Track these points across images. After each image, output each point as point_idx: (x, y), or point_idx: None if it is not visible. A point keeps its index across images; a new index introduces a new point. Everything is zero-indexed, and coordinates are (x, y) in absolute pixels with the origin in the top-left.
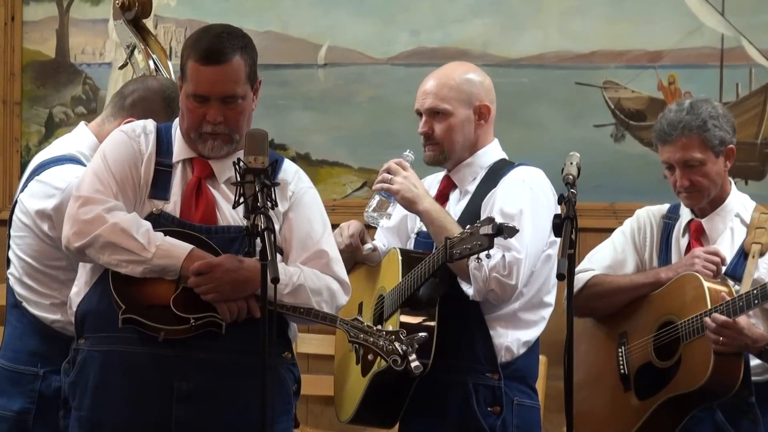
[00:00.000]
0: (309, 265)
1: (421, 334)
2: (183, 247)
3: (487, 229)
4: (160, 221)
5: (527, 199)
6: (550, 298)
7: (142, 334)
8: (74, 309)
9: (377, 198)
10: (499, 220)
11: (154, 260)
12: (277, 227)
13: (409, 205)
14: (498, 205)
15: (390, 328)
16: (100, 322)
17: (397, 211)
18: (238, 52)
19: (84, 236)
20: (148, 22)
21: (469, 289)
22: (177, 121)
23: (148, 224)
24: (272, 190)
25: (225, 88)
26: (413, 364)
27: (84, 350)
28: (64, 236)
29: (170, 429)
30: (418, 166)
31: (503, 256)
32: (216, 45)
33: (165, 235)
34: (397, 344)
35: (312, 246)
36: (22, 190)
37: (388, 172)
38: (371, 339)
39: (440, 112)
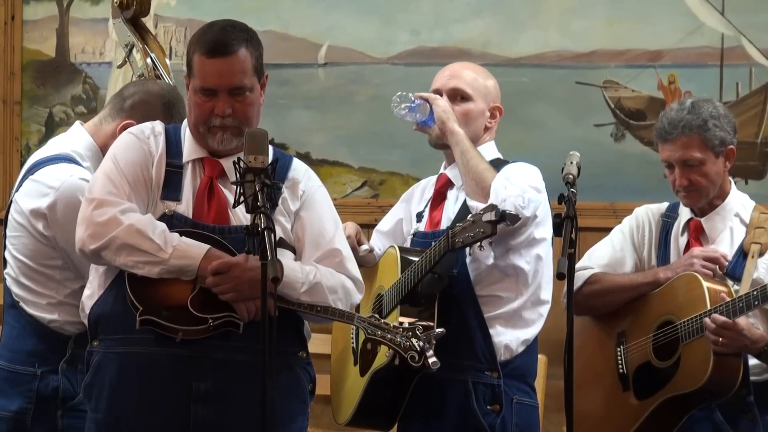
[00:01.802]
0: (322, 264)
1: (438, 330)
2: (200, 247)
3: (489, 216)
4: (173, 222)
5: (537, 175)
6: (547, 295)
7: (159, 335)
8: (87, 312)
9: (410, 101)
10: (512, 172)
11: (171, 261)
12: (288, 226)
13: (445, 121)
14: (510, 172)
15: (406, 324)
16: (116, 325)
17: (393, 215)
18: (243, 44)
19: (99, 238)
20: (148, 22)
21: (478, 203)
22: (186, 122)
23: (163, 225)
24: (272, 189)
25: (232, 79)
26: (430, 360)
27: (99, 352)
28: (78, 239)
29: (188, 429)
30: (418, 164)
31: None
32: (221, 37)
33: (180, 236)
34: (414, 340)
35: (324, 244)
36: (17, 190)
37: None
38: (388, 336)
39: (463, 95)
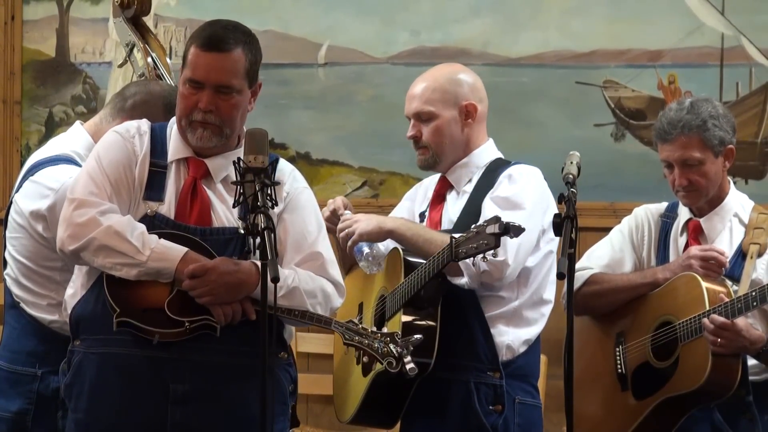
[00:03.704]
0: (304, 267)
1: (416, 336)
2: (177, 250)
3: (493, 228)
4: (154, 223)
5: (528, 189)
6: (550, 294)
7: (138, 337)
8: (69, 311)
9: (360, 254)
10: (497, 207)
11: (148, 263)
12: None
13: (378, 234)
14: (499, 192)
15: (385, 330)
16: (96, 325)
17: (396, 213)
18: (240, 45)
19: (78, 239)
20: (148, 21)
21: (461, 279)
22: (172, 120)
23: (142, 227)
24: (272, 189)
25: (220, 76)
26: (408, 366)
27: (80, 352)
28: (58, 239)
29: (166, 431)
30: (413, 170)
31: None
32: (220, 33)
33: (159, 238)
34: (392, 346)
35: (307, 248)
36: (17, 191)
37: (341, 230)
38: (366, 341)
39: (426, 115)
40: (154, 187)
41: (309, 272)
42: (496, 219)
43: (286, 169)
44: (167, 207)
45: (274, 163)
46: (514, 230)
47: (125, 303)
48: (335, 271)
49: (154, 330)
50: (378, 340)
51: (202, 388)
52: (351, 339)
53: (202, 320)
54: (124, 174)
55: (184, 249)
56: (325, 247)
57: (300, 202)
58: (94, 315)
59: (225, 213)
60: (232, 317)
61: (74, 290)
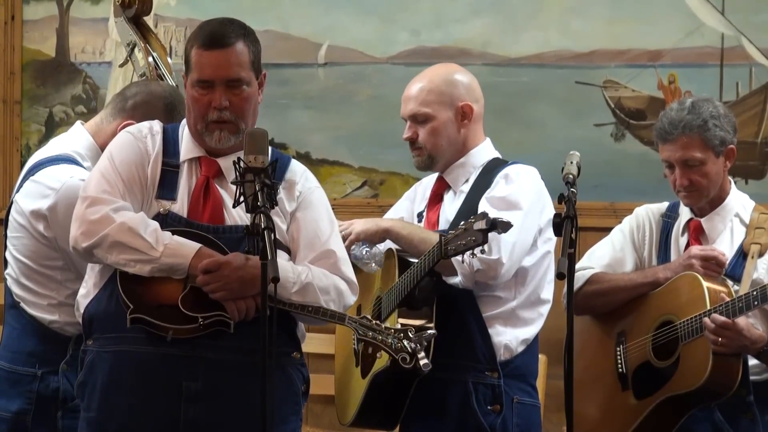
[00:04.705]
0: (317, 265)
1: (429, 331)
2: (191, 246)
3: (480, 225)
4: (167, 221)
5: (524, 189)
6: (548, 294)
7: (151, 334)
8: (81, 311)
9: (358, 254)
10: (493, 208)
11: (162, 259)
12: (284, 227)
13: (375, 233)
14: (495, 192)
15: (399, 326)
16: (109, 323)
17: (395, 212)
18: (241, 38)
19: (92, 236)
20: (148, 21)
21: (455, 279)
22: (184, 121)
23: (155, 223)
24: (272, 189)
25: (229, 71)
26: (422, 362)
27: (93, 351)
28: (71, 237)
29: (179, 429)
30: (413, 170)
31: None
32: (219, 30)
33: (173, 235)
34: (405, 342)
35: (319, 246)
36: (17, 191)
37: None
38: (380, 337)
39: (422, 116)
40: (167, 186)
41: (323, 269)
42: (483, 215)
43: (298, 170)
44: (180, 206)
45: (274, 163)
46: (501, 226)
47: (139, 299)
48: (348, 268)
49: (168, 326)
50: (392, 336)
51: (215, 385)
52: (365, 335)
53: (216, 316)
54: (137, 173)
55: (198, 245)
56: (338, 245)
57: (312, 201)
58: (107, 313)
59: (238, 211)
60: (245, 313)
61: (87, 290)
